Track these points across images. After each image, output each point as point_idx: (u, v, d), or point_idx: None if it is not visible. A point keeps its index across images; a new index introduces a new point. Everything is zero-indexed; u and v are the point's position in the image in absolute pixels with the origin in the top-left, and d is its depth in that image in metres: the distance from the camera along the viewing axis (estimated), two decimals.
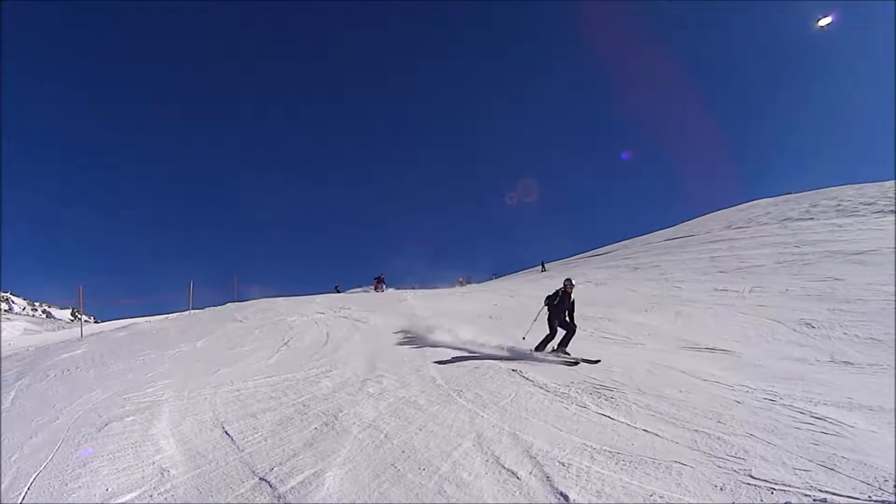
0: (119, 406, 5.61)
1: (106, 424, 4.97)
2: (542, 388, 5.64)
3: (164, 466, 3.99)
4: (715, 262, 16.51)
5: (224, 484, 3.65)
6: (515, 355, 7.23)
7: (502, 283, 25.65)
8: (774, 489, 3.21)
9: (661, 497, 3.19)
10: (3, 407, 6.01)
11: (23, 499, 3.59)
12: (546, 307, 7.52)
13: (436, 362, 7.04)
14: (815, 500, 3.06)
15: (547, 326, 7.32)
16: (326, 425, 4.72)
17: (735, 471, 3.48)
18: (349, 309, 13.35)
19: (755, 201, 32.49)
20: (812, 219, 20.94)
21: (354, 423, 4.72)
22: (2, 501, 3.59)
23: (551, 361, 6.88)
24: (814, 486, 3.22)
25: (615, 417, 4.65)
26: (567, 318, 7.38)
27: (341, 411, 5.09)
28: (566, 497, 3.23)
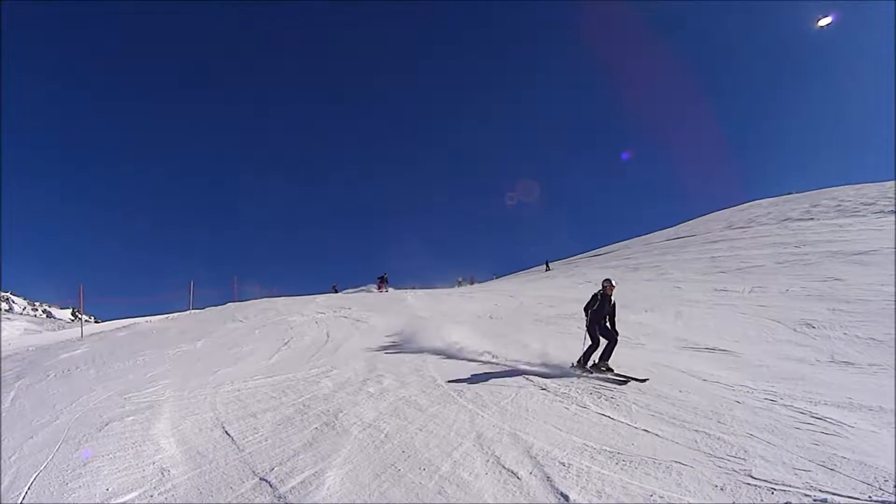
0: (119, 406, 5.61)
1: (106, 424, 4.98)
2: (542, 388, 5.64)
3: (164, 466, 4.00)
4: (715, 262, 16.51)
5: (224, 484, 3.65)
6: (550, 371, 6.29)
7: (503, 284, 25.65)
8: (775, 489, 3.20)
9: (661, 497, 3.19)
10: (3, 407, 6.02)
11: (23, 499, 3.59)
12: (587, 315, 6.50)
13: (435, 362, 7.05)
14: (815, 501, 3.06)
15: (587, 336, 6.43)
16: (327, 425, 4.72)
17: (735, 471, 3.48)
18: (349, 309, 13.35)
19: (755, 201, 32.46)
20: (812, 219, 20.93)
21: (355, 423, 4.73)
22: (2, 501, 3.59)
23: (595, 377, 6.02)
24: (814, 486, 3.22)
25: (615, 417, 4.65)
26: (608, 325, 6.45)
27: (341, 411, 5.09)
28: (566, 497, 3.23)
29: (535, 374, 6.16)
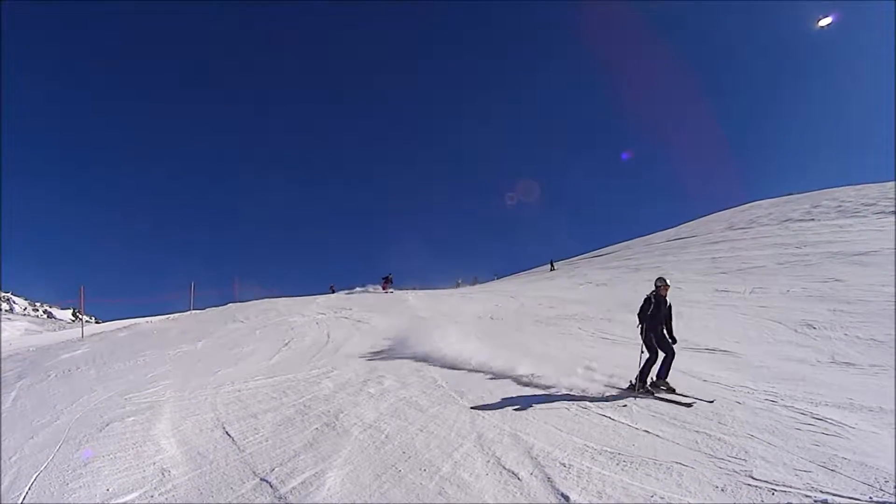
0: (120, 406, 5.62)
1: (107, 425, 4.98)
2: (544, 389, 5.64)
3: (164, 467, 4.00)
4: (716, 262, 16.50)
5: (225, 484, 3.65)
6: (601, 394, 5.40)
7: (505, 284, 25.66)
8: (775, 490, 3.20)
9: (661, 498, 3.19)
10: (4, 407, 6.02)
11: (23, 499, 3.59)
12: (641, 324, 5.55)
13: (436, 363, 7.05)
14: (816, 501, 3.05)
15: (644, 348, 5.50)
16: (327, 426, 4.73)
17: (736, 472, 3.48)
18: (350, 310, 13.36)
19: (756, 202, 32.42)
20: (813, 219, 20.90)
21: (355, 424, 4.73)
22: (2, 502, 3.60)
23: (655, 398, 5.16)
24: (815, 487, 3.22)
25: (616, 418, 4.65)
26: (665, 332, 5.57)
27: (342, 412, 5.09)
28: (567, 498, 3.23)
29: (579, 399, 5.23)
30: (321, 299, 16.42)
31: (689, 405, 4.90)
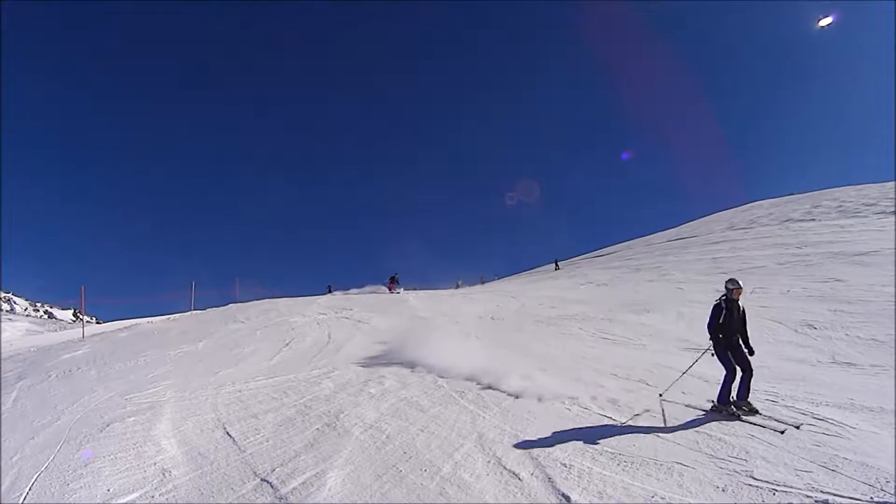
0: (121, 407, 5.62)
1: (108, 425, 4.98)
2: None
3: (165, 467, 4.00)
4: (717, 262, 16.49)
5: (225, 485, 3.65)
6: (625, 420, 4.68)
7: (506, 284, 25.67)
8: (776, 490, 3.20)
9: (662, 498, 3.19)
10: (4, 407, 6.03)
11: (24, 499, 3.60)
12: (712, 335, 4.80)
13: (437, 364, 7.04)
14: (816, 502, 3.06)
15: (720, 363, 4.75)
16: (328, 426, 4.73)
17: (737, 472, 3.48)
18: (351, 310, 13.35)
19: (757, 202, 32.40)
20: (814, 220, 20.88)
21: (356, 424, 4.73)
22: (3, 502, 3.60)
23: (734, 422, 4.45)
24: (815, 487, 3.22)
25: (616, 418, 4.65)
26: (740, 343, 4.80)
27: (343, 412, 5.09)
28: (568, 498, 3.23)
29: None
30: (322, 299, 16.41)
31: (781, 431, 4.19)
